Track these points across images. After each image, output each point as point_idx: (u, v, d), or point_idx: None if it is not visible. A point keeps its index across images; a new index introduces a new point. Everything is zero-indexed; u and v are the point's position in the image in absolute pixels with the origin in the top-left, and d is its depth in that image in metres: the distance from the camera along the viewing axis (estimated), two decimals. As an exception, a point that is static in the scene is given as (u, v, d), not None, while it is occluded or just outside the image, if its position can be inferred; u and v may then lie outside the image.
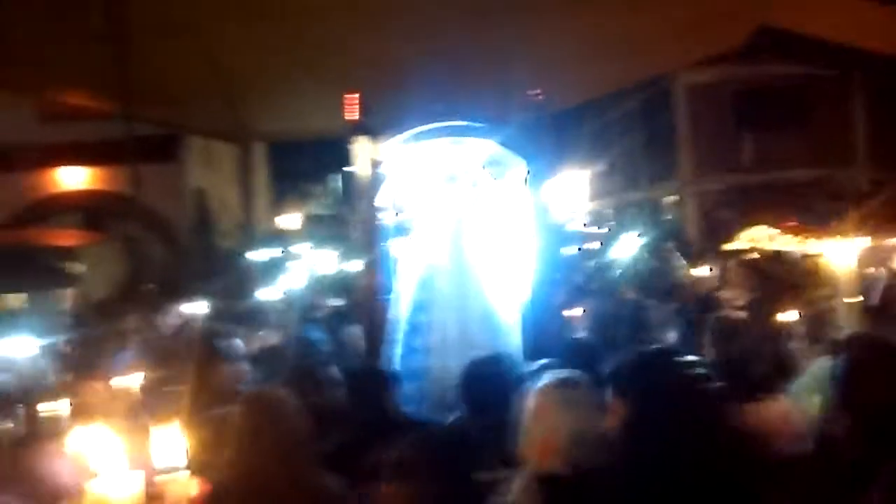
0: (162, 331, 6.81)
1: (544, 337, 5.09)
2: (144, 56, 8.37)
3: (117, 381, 4.25)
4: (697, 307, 6.21)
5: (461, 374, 3.86)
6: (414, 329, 5.12)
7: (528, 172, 5.33)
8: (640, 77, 14.13)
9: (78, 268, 11.36)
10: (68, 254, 11.39)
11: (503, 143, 5.24)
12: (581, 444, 2.56)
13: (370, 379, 4.24)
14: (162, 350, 5.55)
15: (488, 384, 3.62)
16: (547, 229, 5.31)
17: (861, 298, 5.28)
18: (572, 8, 8.82)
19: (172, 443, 2.14)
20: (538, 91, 5.53)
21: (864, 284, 5.59)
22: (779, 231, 16.37)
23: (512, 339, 5.12)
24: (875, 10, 9.15)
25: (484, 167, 5.38)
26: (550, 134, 5.64)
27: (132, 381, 4.28)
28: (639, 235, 12.50)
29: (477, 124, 5.26)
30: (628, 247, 11.44)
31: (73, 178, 14.77)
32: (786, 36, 10.51)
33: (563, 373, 2.90)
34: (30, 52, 8.83)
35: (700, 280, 7.19)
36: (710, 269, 7.16)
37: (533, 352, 4.83)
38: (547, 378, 2.82)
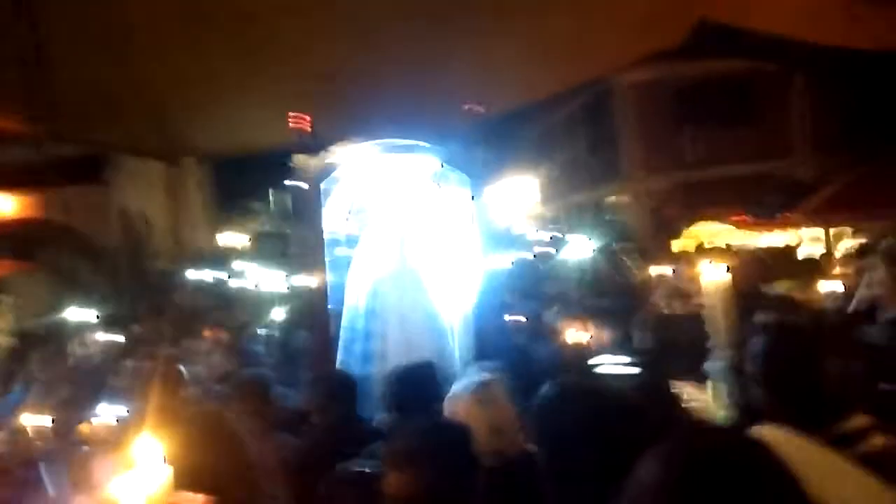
0: (76, 360, 6.55)
1: (489, 342, 5.07)
2: (66, 73, 7.96)
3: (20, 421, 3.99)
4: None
5: (390, 377, 4.02)
6: (359, 336, 5.12)
7: (472, 183, 5.43)
8: (582, 78, 14.06)
9: (5, 299, 10.81)
10: (-6, 284, 10.84)
11: (446, 160, 5.36)
12: (501, 435, 2.95)
13: (337, 384, 4.28)
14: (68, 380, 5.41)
15: (414, 388, 3.77)
16: (492, 236, 5.30)
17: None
18: (511, 12, 8.69)
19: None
20: (478, 103, 5.61)
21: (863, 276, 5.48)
22: (726, 225, 16.46)
23: (457, 343, 5.14)
24: (814, 1, 9.16)
25: (428, 178, 5.49)
26: (492, 145, 5.72)
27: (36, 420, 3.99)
28: (588, 238, 12.35)
29: (420, 143, 5.37)
30: (579, 250, 11.27)
31: (-2, 205, 14.05)
32: (726, 31, 10.50)
33: (480, 375, 3.29)
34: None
35: (660, 278, 7.01)
36: (674, 271, 6.98)
37: (478, 355, 4.86)
38: (465, 381, 3.26)
